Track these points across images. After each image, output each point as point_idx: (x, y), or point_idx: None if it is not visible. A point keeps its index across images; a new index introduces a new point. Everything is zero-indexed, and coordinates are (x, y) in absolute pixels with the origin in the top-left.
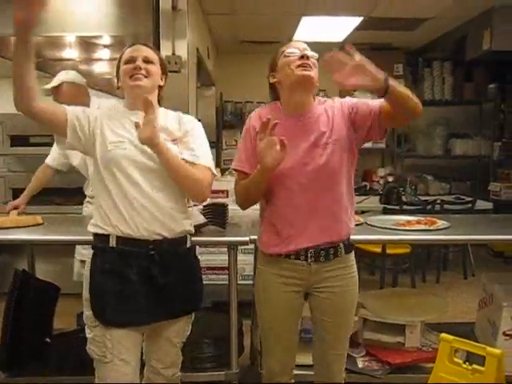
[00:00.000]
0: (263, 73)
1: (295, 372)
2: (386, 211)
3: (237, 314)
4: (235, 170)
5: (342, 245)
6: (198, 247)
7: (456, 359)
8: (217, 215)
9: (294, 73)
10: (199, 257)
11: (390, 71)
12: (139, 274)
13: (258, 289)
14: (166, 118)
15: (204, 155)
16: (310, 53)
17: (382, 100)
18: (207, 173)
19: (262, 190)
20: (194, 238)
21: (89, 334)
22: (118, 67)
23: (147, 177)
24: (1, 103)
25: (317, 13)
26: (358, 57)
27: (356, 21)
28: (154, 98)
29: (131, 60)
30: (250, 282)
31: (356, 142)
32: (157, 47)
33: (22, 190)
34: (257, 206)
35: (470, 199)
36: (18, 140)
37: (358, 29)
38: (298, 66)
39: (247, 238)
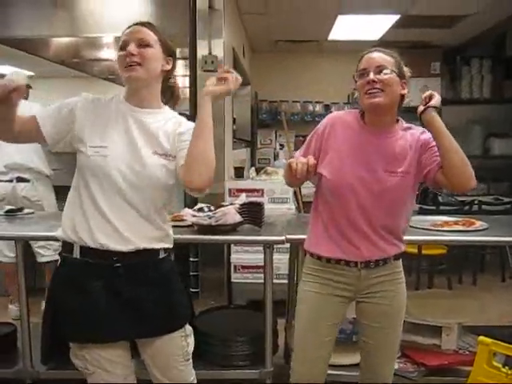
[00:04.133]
0: (298, 72)
1: (329, 372)
2: (422, 212)
3: (272, 313)
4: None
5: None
6: (232, 245)
7: (495, 363)
8: (253, 214)
9: (363, 100)
10: (233, 255)
11: (426, 70)
12: (105, 287)
13: (301, 292)
14: (165, 124)
15: None
16: (378, 76)
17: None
18: None
19: None
20: (230, 237)
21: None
22: None
23: (123, 189)
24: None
25: (353, 11)
26: None
27: (393, 19)
28: (155, 89)
29: (124, 45)
30: (285, 281)
31: (418, 179)
32: (193, 47)
33: (63, 188)
34: (291, 206)
35: (508, 200)
36: None
37: (394, 27)
38: (365, 92)
39: (283, 238)
